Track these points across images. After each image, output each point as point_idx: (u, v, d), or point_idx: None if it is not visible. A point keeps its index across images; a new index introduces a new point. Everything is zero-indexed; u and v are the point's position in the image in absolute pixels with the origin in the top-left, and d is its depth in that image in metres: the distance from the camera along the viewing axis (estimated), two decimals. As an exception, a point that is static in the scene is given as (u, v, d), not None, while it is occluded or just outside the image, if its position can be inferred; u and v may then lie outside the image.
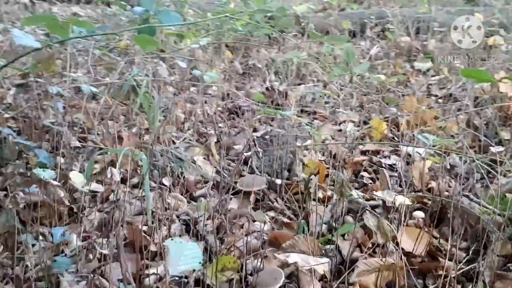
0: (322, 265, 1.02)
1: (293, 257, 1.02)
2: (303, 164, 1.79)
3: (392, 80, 2.60)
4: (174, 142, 2.04)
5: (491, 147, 1.43)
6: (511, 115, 1.94)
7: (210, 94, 2.78)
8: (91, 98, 2.35)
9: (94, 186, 1.39)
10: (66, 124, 1.89)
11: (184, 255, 0.70)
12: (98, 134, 1.98)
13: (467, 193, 1.37)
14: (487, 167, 1.38)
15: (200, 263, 0.70)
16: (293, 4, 4.83)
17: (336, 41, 2.44)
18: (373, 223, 1.05)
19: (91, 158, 1.57)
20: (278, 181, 1.71)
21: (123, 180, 1.56)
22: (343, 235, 1.40)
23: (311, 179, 1.40)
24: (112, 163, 1.75)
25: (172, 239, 0.72)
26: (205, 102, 2.43)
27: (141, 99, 2.05)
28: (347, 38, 2.63)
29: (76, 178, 1.24)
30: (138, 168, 1.78)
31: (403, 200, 1.10)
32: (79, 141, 1.90)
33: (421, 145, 1.43)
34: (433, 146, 1.44)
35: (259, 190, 1.65)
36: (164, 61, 2.74)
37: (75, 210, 1.44)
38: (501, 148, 1.49)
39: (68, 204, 1.24)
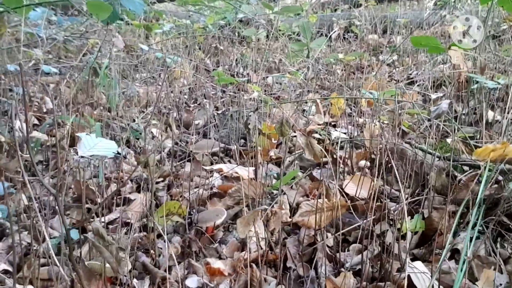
0: (247, 172, 1.03)
1: (218, 166, 1.04)
2: (260, 131, 1.82)
3: (350, 58, 2.66)
4: (134, 121, 2.07)
5: (430, 95, 1.48)
6: (460, 83, 2.00)
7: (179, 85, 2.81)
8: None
9: (36, 134, 1.40)
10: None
11: (98, 146, 0.71)
12: (57, 111, 1.99)
13: (409, 140, 1.41)
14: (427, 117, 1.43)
15: (113, 153, 0.71)
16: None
17: (290, 12, 2.49)
18: (302, 140, 1.07)
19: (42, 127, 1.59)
20: (233, 147, 1.73)
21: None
22: (291, 186, 1.42)
23: (250, 116, 1.41)
24: (72, 138, 1.76)
25: (87, 134, 0.73)
26: (169, 85, 2.46)
27: (101, 78, 2.07)
28: (300, 8, 2.68)
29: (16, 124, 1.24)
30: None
31: (338, 134, 1.13)
32: (37, 119, 1.91)
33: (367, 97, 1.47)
34: (378, 101, 1.48)
35: (214, 154, 1.68)
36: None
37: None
38: (440, 94, 1.53)
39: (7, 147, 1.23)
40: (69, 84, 2.07)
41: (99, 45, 2.47)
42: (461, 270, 1.01)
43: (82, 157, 0.69)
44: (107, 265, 1.01)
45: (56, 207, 1.21)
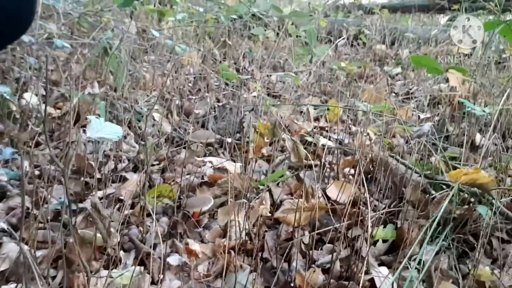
0: (234, 166, 1.11)
1: (208, 159, 1.12)
2: (254, 129, 1.90)
3: (351, 68, 2.74)
4: (138, 103, 2.14)
5: (420, 114, 1.56)
6: (454, 105, 2.08)
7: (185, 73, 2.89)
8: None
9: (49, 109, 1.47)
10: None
11: (105, 129, 0.79)
12: (65, 85, 2.06)
13: (393, 154, 1.49)
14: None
15: (118, 137, 0.79)
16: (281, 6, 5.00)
17: (298, 17, 2.56)
18: (289, 144, 1.15)
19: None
20: (229, 140, 1.81)
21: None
22: (278, 184, 1.50)
23: (245, 115, 1.49)
24: (77, 114, 1.83)
25: (96, 117, 0.81)
26: (175, 72, 2.53)
27: (110, 58, 2.14)
28: (308, 14, 2.76)
29: (30, 97, 1.32)
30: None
31: (325, 141, 1.21)
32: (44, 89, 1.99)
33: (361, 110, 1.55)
34: (367, 113, 1.56)
35: (209, 144, 1.76)
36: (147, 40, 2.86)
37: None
38: (428, 115, 1.62)
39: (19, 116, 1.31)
40: (78, 60, 2.15)
41: (113, 24, 2.54)
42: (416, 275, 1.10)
43: (89, 138, 0.77)
44: (98, 235, 1.10)
45: (61, 177, 1.29)
